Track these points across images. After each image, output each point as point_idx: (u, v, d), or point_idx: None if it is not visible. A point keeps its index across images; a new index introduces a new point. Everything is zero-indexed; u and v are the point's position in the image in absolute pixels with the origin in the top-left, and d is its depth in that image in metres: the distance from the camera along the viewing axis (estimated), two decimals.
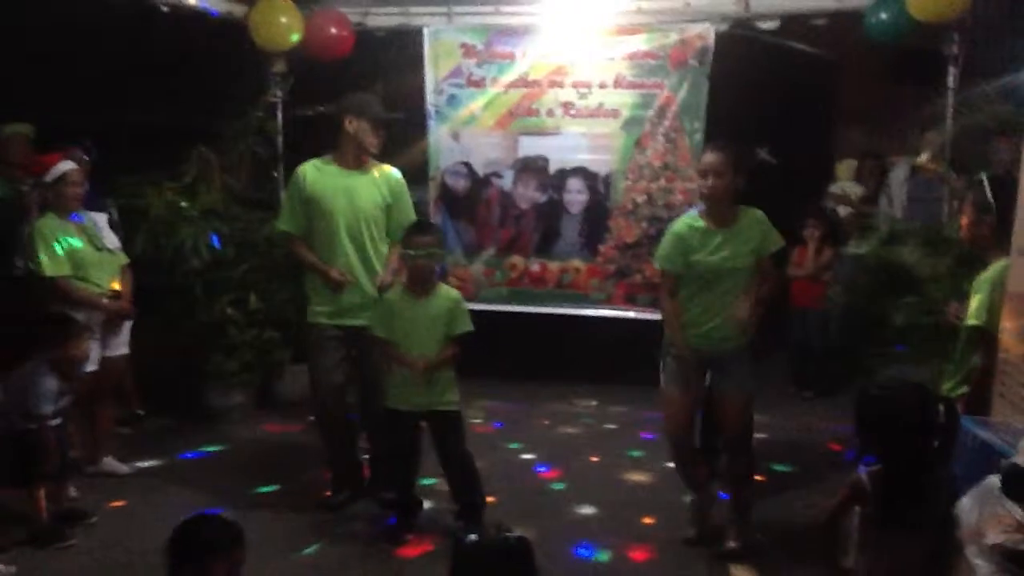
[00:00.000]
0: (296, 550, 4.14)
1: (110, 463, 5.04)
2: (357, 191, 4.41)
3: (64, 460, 4.31)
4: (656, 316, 5.14)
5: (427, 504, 4.47)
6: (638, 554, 4.13)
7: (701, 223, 4.04)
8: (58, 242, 4.65)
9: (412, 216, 4.56)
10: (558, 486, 4.89)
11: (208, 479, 4.93)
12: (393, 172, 4.56)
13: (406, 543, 4.17)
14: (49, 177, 4.72)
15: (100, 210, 5.56)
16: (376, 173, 4.50)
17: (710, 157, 3.98)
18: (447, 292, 4.23)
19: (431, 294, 4.15)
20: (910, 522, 2.68)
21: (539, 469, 5.21)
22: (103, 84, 6.76)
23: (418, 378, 4.07)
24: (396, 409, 4.18)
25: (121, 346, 4.95)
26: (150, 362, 5.50)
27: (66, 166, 4.75)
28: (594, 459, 5.30)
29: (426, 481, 4.59)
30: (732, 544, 4.09)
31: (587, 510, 4.60)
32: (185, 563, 2.52)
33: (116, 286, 4.86)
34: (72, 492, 4.53)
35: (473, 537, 2.37)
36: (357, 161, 4.44)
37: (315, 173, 4.46)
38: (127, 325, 4.95)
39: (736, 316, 3.96)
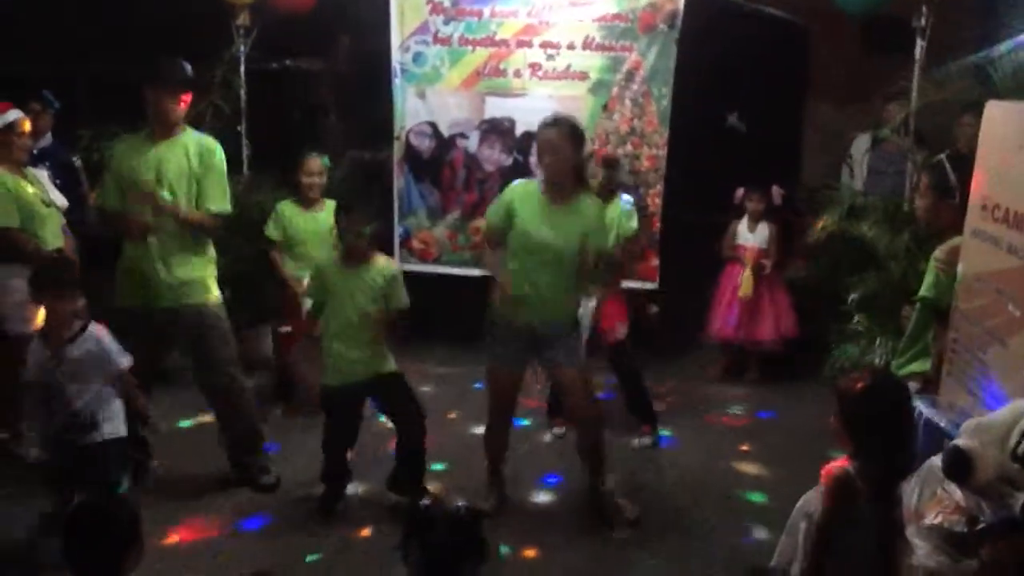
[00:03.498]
0: (235, 526, 4.18)
1: None
2: (164, 162, 4.21)
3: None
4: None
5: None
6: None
7: (538, 192, 4.03)
8: (8, 192, 4.52)
9: (221, 189, 4.34)
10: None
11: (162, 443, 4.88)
12: (206, 140, 4.37)
13: (336, 513, 4.23)
14: None
15: (65, 161, 5.46)
16: (188, 142, 4.29)
17: (546, 133, 3.94)
18: (383, 266, 4.15)
19: (366, 265, 4.10)
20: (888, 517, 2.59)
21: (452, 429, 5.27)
22: (65, 34, 6.60)
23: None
24: (333, 385, 4.17)
25: None
26: (108, 319, 5.42)
27: (14, 115, 4.62)
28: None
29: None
30: (628, 516, 4.20)
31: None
32: (82, 547, 2.46)
33: (60, 243, 4.76)
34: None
35: (426, 505, 2.62)
36: (164, 131, 4.25)
37: (125, 146, 4.30)
38: None
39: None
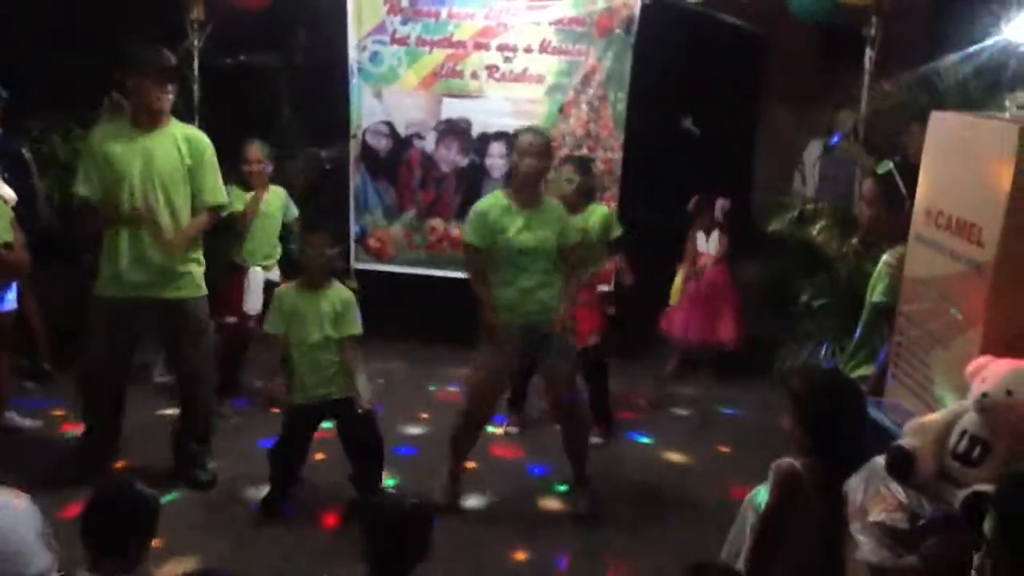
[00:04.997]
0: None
1: (13, 418, 4.90)
2: (153, 152, 4.15)
3: None
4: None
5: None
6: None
7: (506, 201, 4.20)
8: None
9: (215, 180, 4.33)
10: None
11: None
12: (194, 132, 4.35)
13: (282, 514, 4.21)
14: None
15: (15, 153, 5.35)
16: (176, 133, 4.24)
17: (533, 139, 4.16)
18: (338, 291, 4.16)
19: (324, 289, 4.12)
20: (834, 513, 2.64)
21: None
22: (17, 26, 6.47)
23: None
24: (298, 403, 4.16)
25: (11, 301, 4.78)
26: (60, 315, 5.33)
27: None
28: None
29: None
30: (582, 509, 4.34)
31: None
32: (101, 535, 2.46)
33: (9, 237, 4.67)
34: None
35: (382, 501, 2.78)
36: (150, 121, 4.18)
37: (108, 134, 4.23)
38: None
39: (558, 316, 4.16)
